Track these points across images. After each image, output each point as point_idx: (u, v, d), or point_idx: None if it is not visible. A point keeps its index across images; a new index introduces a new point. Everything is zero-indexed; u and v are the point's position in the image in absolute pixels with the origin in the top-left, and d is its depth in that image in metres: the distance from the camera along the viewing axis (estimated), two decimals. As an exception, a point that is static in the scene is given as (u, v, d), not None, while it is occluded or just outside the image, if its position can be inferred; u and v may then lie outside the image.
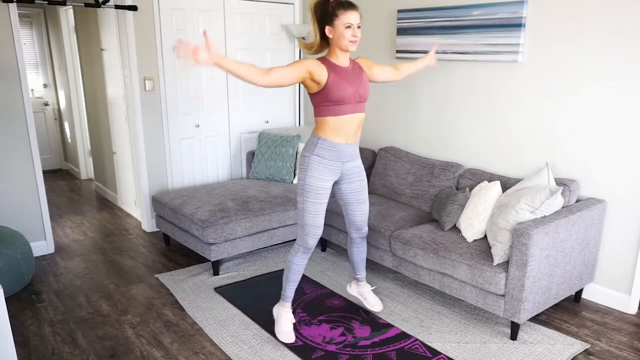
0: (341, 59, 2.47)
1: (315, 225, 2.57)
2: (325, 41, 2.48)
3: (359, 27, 2.40)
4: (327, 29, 2.41)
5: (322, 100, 2.45)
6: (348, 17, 2.36)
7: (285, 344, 2.67)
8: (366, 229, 2.89)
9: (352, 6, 2.38)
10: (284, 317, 2.74)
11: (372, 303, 3.03)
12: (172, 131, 4.38)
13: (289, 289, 2.73)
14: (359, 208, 2.79)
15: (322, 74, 2.38)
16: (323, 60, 2.45)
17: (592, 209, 2.89)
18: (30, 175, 3.75)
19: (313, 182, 2.52)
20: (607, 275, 3.11)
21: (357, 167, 2.70)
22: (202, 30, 2.24)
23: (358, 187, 2.73)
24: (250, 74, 2.22)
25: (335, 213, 3.59)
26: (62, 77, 6.20)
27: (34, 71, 6.39)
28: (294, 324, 2.87)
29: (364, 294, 3.06)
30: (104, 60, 4.75)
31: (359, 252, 2.95)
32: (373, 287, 3.12)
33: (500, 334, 2.79)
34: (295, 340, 2.71)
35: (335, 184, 2.70)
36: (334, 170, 2.58)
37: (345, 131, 2.51)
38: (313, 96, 2.47)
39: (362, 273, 3.03)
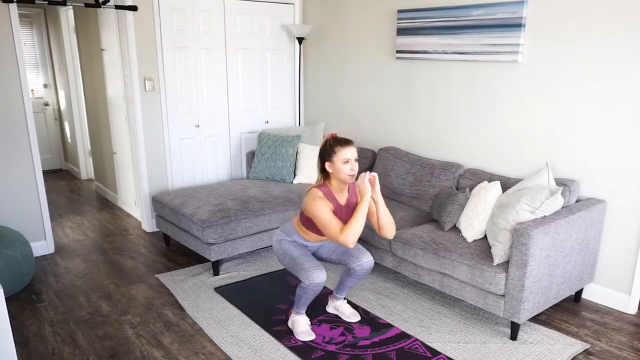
0: (339, 191, 2.61)
1: (310, 259, 2.62)
2: (326, 174, 2.60)
3: (356, 160, 2.53)
4: (327, 164, 2.54)
5: (313, 225, 2.62)
6: (345, 153, 2.50)
7: (286, 345, 2.68)
8: (371, 262, 2.77)
9: (348, 142, 2.54)
10: (299, 320, 2.78)
11: (349, 315, 2.95)
12: (172, 131, 4.38)
13: (302, 306, 2.76)
14: (358, 259, 2.74)
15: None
16: (326, 192, 2.57)
17: (592, 209, 2.89)
18: (30, 175, 3.75)
19: (291, 245, 2.72)
20: (607, 275, 3.11)
21: None
22: (371, 175, 2.56)
23: (343, 248, 2.81)
24: (354, 230, 2.47)
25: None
26: (62, 77, 6.20)
27: (34, 71, 6.39)
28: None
29: (339, 307, 2.99)
30: (104, 60, 4.75)
31: (354, 282, 2.85)
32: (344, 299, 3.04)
33: (500, 334, 2.79)
34: (295, 340, 2.72)
35: (320, 249, 2.85)
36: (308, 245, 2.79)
37: (322, 238, 2.73)
38: (307, 217, 2.63)
39: (343, 294, 2.97)
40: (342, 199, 2.64)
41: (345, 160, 2.50)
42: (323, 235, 2.68)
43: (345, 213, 2.62)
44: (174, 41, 4.22)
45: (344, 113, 4.66)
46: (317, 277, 2.55)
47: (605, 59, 2.89)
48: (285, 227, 2.79)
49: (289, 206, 3.75)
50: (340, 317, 2.96)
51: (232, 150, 4.80)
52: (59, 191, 5.85)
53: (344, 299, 3.04)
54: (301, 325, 2.77)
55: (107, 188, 5.50)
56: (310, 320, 2.89)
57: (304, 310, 2.79)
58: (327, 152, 2.54)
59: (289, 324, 2.84)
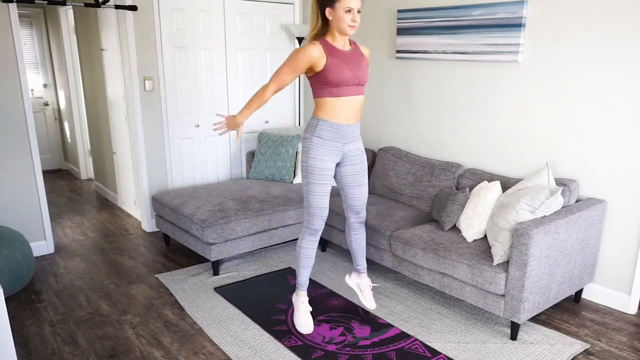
0: (339, 42, 2.49)
1: (320, 206, 2.59)
2: (325, 23, 2.47)
3: (359, 11, 2.41)
4: (327, 11, 2.41)
5: (320, 83, 2.48)
6: (349, 1, 2.37)
7: (286, 345, 2.68)
8: (364, 213, 2.85)
9: None
10: (300, 307, 2.77)
11: (368, 298, 2.95)
12: (172, 131, 4.38)
13: (302, 276, 2.75)
14: (358, 191, 2.78)
15: (321, 62, 2.43)
16: (322, 41, 2.46)
17: (592, 209, 2.89)
18: (30, 175, 3.75)
19: (316, 164, 2.55)
20: (607, 275, 3.11)
21: (359, 149, 2.72)
22: (217, 114, 2.71)
23: (358, 170, 2.74)
24: (258, 101, 2.57)
25: (335, 212, 3.59)
26: (62, 77, 6.20)
27: (34, 71, 6.39)
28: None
29: (362, 287, 2.98)
30: (104, 60, 4.75)
31: (358, 240, 2.89)
32: (374, 285, 3.08)
33: (500, 334, 2.79)
34: (295, 340, 2.72)
35: (337, 165, 2.71)
36: (335, 151, 2.60)
37: (345, 112, 2.54)
38: (311, 78, 2.50)
39: (362, 263, 2.95)
40: (344, 47, 2.51)
41: (348, 9, 2.36)
42: (339, 91, 2.50)
43: (351, 61, 2.48)
44: (174, 41, 4.22)
45: (344, 113, 4.65)
46: (317, 224, 2.60)
47: (605, 59, 2.89)
48: (309, 124, 2.61)
49: (288, 206, 3.75)
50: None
51: (232, 150, 4.80)
52: (59, 191, 5.85)
53: (369, 278, 3.03)
54: (301, 314, 2.75)
55: (107, 188, 5.50)
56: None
57: (305, 287, 2.76)
58: None
59: (293, 299, 2.86)
